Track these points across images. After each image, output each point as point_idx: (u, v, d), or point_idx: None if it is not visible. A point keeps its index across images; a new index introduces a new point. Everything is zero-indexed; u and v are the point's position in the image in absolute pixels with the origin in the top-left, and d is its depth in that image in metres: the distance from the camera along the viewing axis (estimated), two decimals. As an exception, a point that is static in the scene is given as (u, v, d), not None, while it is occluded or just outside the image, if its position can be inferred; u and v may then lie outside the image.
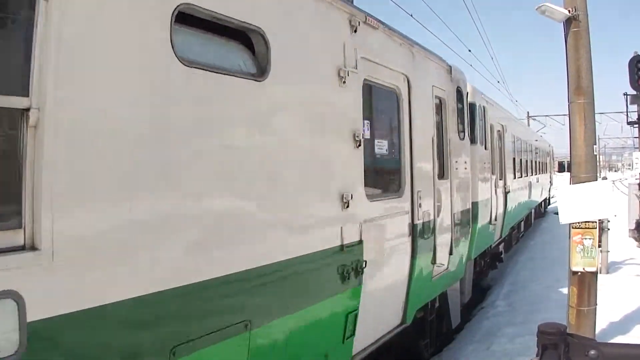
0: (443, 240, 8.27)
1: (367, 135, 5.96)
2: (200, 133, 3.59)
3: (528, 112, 57.38)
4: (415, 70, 7.27)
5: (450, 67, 9.14)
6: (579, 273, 7.34)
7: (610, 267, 14.08)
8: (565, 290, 7.80)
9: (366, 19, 5.78)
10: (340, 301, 5.21)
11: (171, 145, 3.36)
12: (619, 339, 8.21)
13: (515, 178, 17.60)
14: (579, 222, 7.34)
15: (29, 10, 2.64)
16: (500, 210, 14.45)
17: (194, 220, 3.52)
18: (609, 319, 9.12)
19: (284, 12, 4.56)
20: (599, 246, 7.61)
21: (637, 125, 29.03)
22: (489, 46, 22.94)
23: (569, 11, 7.51)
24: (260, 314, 4.11)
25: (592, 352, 2.96)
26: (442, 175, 8.42)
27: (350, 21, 5.44)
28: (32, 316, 2.57)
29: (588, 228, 7.34)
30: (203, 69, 3.62)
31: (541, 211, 32.18)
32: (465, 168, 9.85)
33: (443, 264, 8.27)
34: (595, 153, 7.81)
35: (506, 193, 15.22)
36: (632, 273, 13.68)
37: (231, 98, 3.86)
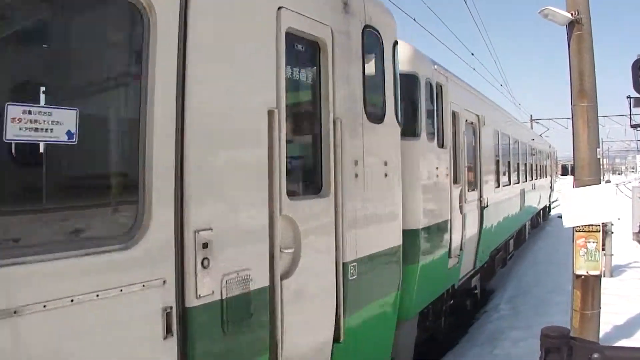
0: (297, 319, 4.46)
1: None
2: None
3: (531, 116, 57.31)
4: None
5: None
6: (583, 276, 7.33)
7: (614, 271, 14.05)
8: (569, 294, 7.78)
9: None
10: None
11: None
12: (623, 343, 8.19)
13: (499, 187, 13.91)
14: (582, 226, 7.33)
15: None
16: (471, 232, 10.54)
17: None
18: (613, 322, 9.10)
19: None
20: (603, 249, 7.59)
21: (640, 128, 29.13)
22: (491, 49, 22.90)
23: (572, 14, 7.51)
24: None
25: (596, 355, 2.96)
26: (311, 189, 4.95)
27: None
28: None
29: (591, 231, 7.32)
30: None
31: (539, 221, 28.01)
32: (388, 175, 6.04)
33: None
34: (598, 156, 7.81)
35: (482, 208, 11.43)
36: (636, 276, 13.64)
37: None
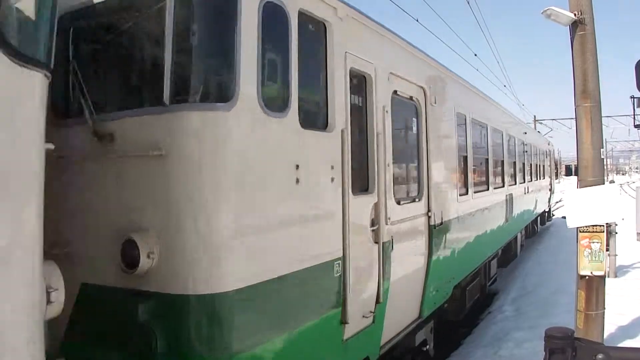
0: None
1: None
2: None
3: (535, 116, 57.23)
4: None
5: None
6: (587, 277, 7.31)
7: (619, 271, 14.01)
8: (573, 295, 7.76)
9: None
10: None
11: None
12: (628, 343, 8.17)
13: (467, 194, 10.27)
14: (586, 226, 7.32)
15: None
16: (408, 268, 7.31)
17: None
18: (617, 323, 9.09)
19: None
20: (607, 250, 7.58)
21: (644, 128, 28.97)
22: (494, 50, 22.84)
23: (575, 15, 7.51)
24: None
25: (600, 356, 2.96)
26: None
27: None
28: None
29: (595, 232, 7.31)
30: None
31: (535, 229, 24.16)
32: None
33: None
34: (602, 156, 7.80)
35: (433, 227, 7.96)
36: (641, 277, 13.60)
37: None
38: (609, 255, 11.95)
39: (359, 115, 6.10)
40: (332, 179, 5.25)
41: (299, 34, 4.83)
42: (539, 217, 24.84)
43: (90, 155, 4.53)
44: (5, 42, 2.42)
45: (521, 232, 18.61)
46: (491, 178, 12.61)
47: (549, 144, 30.57)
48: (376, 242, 6.18)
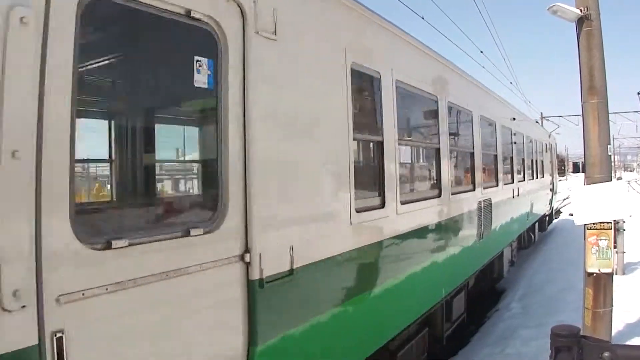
0: None
1: None
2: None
3: (542, 113, 57.03)
4: None
5: None
6: (594, 274, 7.27)
7: (626, 268, 13.93)
8: (580, 292, 7.73)
9: None
10: None
11: None
12: (636, 341, 8.13)
13: (386, 205, 6.35)
14: (593, 223, 7.29)
15: None
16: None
17: None
18: (625, 320, 9.04)
19: None
20: (615, 247, 7.54)
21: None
22: (501, 47, 22.71)
23: (581, 11, 7.47)
24: None
25: (606, 354, 2.93)
26: None
27: None
28: None
29: (603, 229, 7.27)
30: None
31: (532, 238, 20.15)
32: None
33: None
34: (609, 153, 7.75)
35: (257, 284, 4.05)
36: (649, 274, 13.53)
37: None
38: (616, 252, 11.88)
39: None
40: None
41: None
42: (537, 223, 20.49)
43: None
44: None
45: (511, 245, 15.38)
46: (446, 178, 8.59)
47: (549, 136, 25.97)
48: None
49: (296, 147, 4.66)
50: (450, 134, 9.07)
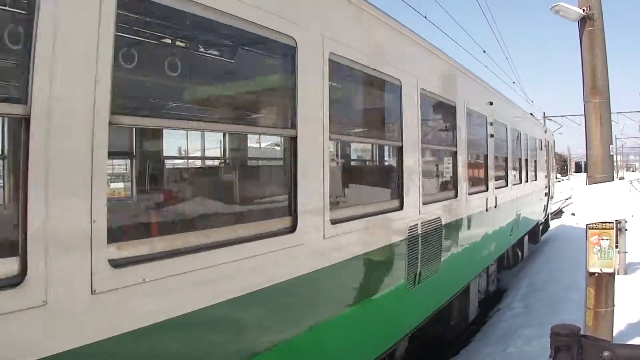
0: None
1: None
2: None
3: (544, 113, 56.98)
4: None
5: None
6: (596, 274, 7.27)
7: (628, 268, 13.93)
8: (582, 292, 7.73)
9: None
10: None
11: None
12: (638, 341, 8.13)
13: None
14: (595, 223, 7.29)
15: None
16: None
17: None
18: (627, 320, 9.03)
19: None
20: (616, 247, 7.54)
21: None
22: (503, 47, 22.72)
23: (584, 10, 7.47)
24: None
25: (606, 353, 2.94)
26: None
27: None
28: None
29: (605, 229, 7.27)
30: None
31: (518, 255, 16.06)
32: None
33: None
34: (611, 153, 7.75)
35: None
36: (651, 274, 13.52)
37: None
38: (618, 252, 11.90)
39: None
40: None
41: None
42: (526, 236, 16.93)
43: None
44: None
45: (487, 270, 12.09)
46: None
47: (545, 132, 22.01)
48: None
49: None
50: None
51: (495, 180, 11.87)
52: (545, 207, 21.15)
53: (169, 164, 6.34)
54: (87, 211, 2.81)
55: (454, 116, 8.93)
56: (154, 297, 3.19)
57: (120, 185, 5.83)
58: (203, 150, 6.70)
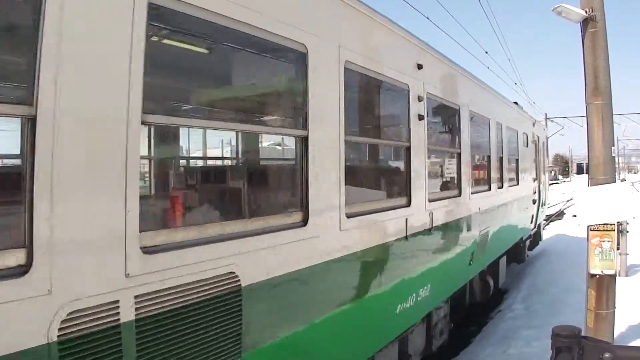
0: None
1: None
2: None
3: (546, 114, 56.98)
4: None
5: None
6: (597, 276, 7.28)
7: (630, 270, 13.90)
8: (583, 294, 7.73)
9: None
10: None
11: None
12: (638, 343, 8.12)
13: None
14: (597, 225, 7.29)
15: None
16: None
17: None
18: (628, 322, 9.02)
19: None
20: (618, 249, 7.54)
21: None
22: (505, 48, 22.76)
23: (586, 12, 7.48)
24: None
25: (607, 355, 2.94)
26: None
27: None
28: None
29: (606, 230, 7.28)
30: None
31: (490, 286, 12.07)
32: None
33: None
34: (613, 154, 7.75)
35: None
36: (652, 276, 13.50)
37: None
38: (619, 254, 11.90)
39: None
40: None
41: None
42: (503, 258, 13.21)
43: None
44: None
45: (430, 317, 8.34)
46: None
47: (534, 124, 17.13)
48: None
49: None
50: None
51: (436, 189, 8.68)
52: (535, 217, 17.12)
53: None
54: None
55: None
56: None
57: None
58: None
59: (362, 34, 5.86)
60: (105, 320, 2.97)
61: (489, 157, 11.10)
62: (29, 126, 2.68)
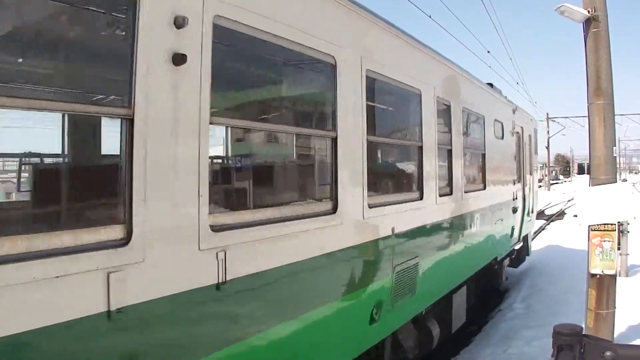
0: None
1: None
2: None
3: (547, 114, 56.93)
4: None
5: None
6: (598, 276, 7.28)
7: (630, 270, 13.90)
8: (584, 293, 7.74)
9: None
10: None
11: None
12: (639, 343, 8.13)
13: None
14: (598, 225, 7.30)
15: None
16: None
17: None
18: (628, 322, 9.03)
19: None
20: (618, 249, 7.55)
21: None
22: (507, 47, 22.75)
23: (589, 11, 7.48)
24: None
25: (608, 353, 2.95)
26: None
27: None
28: None
29: (607, 230, 7.28)
30: None
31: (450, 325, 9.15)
32: None
33: None
34: (614, 155, 7.76)
35: None
36: (653, 276, 13.49)
37: None
38: (620, 254, 11.89)
39: None
40: None
41: None
42: (462, 289, 9.82)
43: None
44: None
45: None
46: None
47: (514, 112, 13.61)
48: None
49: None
50: None
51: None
52: (519, 229, 14.18)
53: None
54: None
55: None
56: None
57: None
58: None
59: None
60: None
61: (420, 148, 7.55)
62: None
